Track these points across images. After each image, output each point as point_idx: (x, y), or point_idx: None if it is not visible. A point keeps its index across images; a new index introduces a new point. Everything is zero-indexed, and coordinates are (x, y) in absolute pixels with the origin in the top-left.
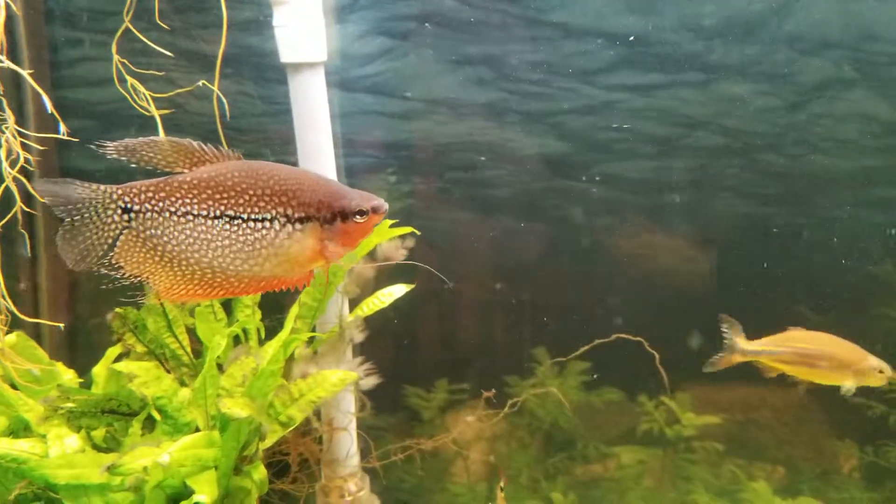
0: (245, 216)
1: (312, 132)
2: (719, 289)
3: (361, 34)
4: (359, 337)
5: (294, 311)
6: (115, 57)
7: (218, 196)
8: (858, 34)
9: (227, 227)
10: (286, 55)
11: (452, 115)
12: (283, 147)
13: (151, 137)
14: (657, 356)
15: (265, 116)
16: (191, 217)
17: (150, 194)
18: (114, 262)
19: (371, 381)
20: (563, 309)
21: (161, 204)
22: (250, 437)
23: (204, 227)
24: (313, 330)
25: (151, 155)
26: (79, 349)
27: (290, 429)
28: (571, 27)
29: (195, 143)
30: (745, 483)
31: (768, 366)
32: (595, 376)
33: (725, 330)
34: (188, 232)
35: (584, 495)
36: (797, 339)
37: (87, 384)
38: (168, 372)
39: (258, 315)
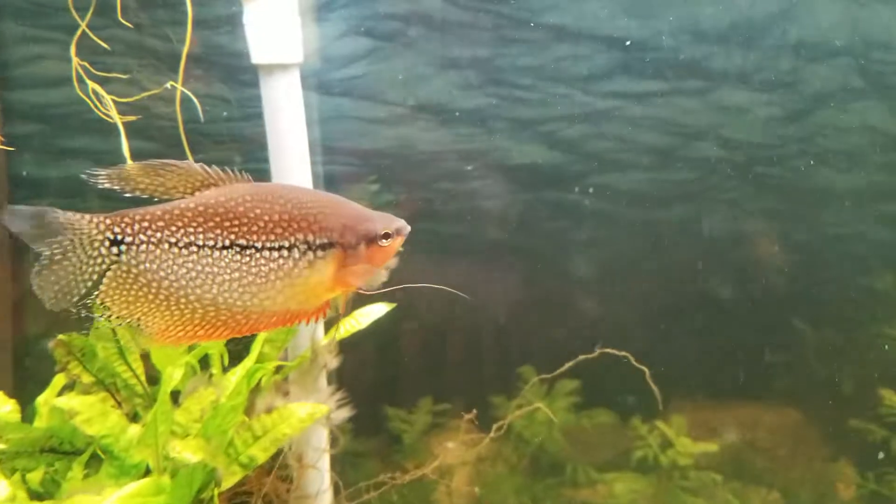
0: (259, 245)
1: (286, 138)
2: (717, 306)
3: (341, 34)
4: (333, 363)
5: (262, 333)
6: (75, 60)
7: (227, 224)
8: (866, 42)
9: (238, 257)
10: (257, 56)
11: (437, 122)
12: (256, 154)
13: (148, 162)
14: (647, 371)
15: (238, 121)
16: (195, 248)
17: (146, 224)
18: (99, 301)
19: (343, 414)
20: (549, 326)
21: (159, 234)
22: (206, 480)
23: (210, 260)
24: (284, 353)
25: (147, 181)
26: (27, 373)
27: (252, 469)
28: (565, 30)
29: (198, 166)
30: None
31: None
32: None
33: None
34: (191, 265)
35: None
36: None
37: (30, 416)
38: (119, 404)
39: None
